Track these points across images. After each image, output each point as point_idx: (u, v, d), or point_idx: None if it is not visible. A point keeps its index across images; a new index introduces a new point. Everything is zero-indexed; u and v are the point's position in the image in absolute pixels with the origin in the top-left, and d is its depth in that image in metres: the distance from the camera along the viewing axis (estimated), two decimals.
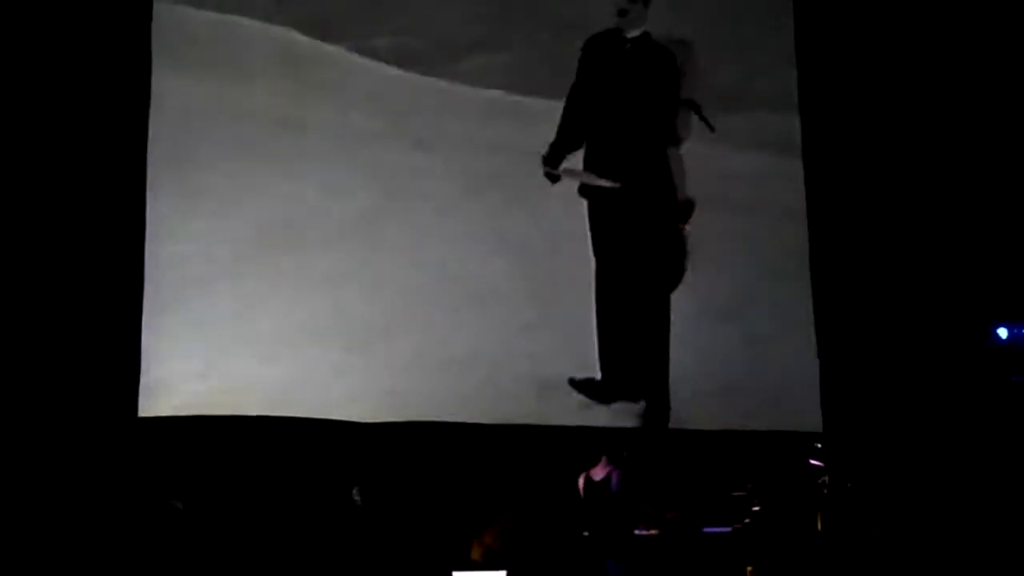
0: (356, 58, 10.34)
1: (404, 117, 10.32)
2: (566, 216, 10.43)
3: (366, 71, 10.35)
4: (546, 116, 10.58)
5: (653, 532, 9.42)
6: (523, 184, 10.41)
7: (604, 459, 9.26)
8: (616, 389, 10.27)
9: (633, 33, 10.61)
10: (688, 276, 10.46)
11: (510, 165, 10.43)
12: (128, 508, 8.97)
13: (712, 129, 10.62)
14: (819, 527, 9.38)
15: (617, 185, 10.40)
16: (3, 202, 9.26)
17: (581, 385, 10.22)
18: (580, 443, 9.61)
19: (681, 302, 10.46)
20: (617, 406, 10.25)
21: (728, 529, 9.46)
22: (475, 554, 9.36)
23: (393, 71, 10.39)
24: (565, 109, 10.53)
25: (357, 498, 9.48)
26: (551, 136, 10.50)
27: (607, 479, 9.15)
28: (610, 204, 10.40)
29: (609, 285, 10.39)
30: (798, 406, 10.45)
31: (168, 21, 9.78)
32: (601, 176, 10.43)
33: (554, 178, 10.40)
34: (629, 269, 10.40)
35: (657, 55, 10.64)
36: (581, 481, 9.27)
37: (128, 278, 9.41)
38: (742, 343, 10.45)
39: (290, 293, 9.81)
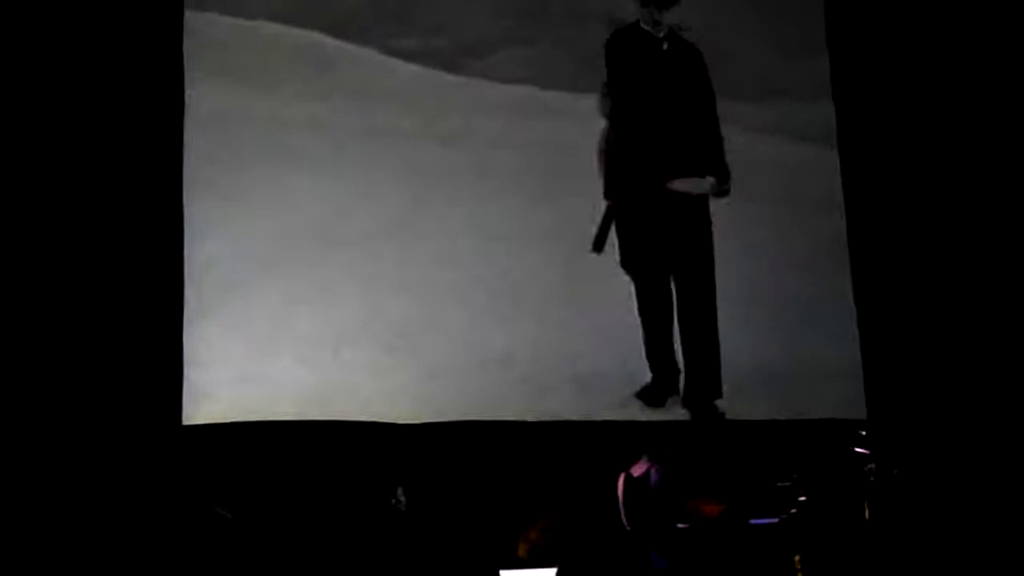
0: (383, 58, 10.33)
1: (432, 116, 10.30)
2: (597, 209, 10.44)
3: (393, 71, 10.34)
4: (575, 111, 10.57)
5: (697, 526, 9.39)
6: (554, 179, 10.39)
7: (644, 456, 9.26)
8: (666, 391, 10.30)
9: (663, 32, 10.67)
10: (728, 266, 10.48)
11: (540, 160, 10.42)
12: (176, 519, 8.96)
13: None
14: (866, 515, 9.34)
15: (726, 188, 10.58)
16: (42, 212, 9.25)
17: (640, 394, 10.25)
18: (622, 437, 9.61)
19: (721, 293, 10.48)
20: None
21: (775, 520, 9.42)
22: (521, 552, 9.34)
23: (420, 70, 10.38)
24: (613, 110, 10.53)
25: (402, 499, 9.47)
26: (580, 130, 10.48)
27: (646, 475, 9.15)
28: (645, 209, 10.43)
29: (651, 290, 10.40)
30: (841, 394, 10.48)
31: (199, 28, 9.78)
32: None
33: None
34: (669, 273, 10.44)
35: (691, 51, 10.73)
36: (620, 480, 9.26)
37: (167, 285, 9.40)
38: (783, 332, 10.44)
39: (326, 294, 9.79)
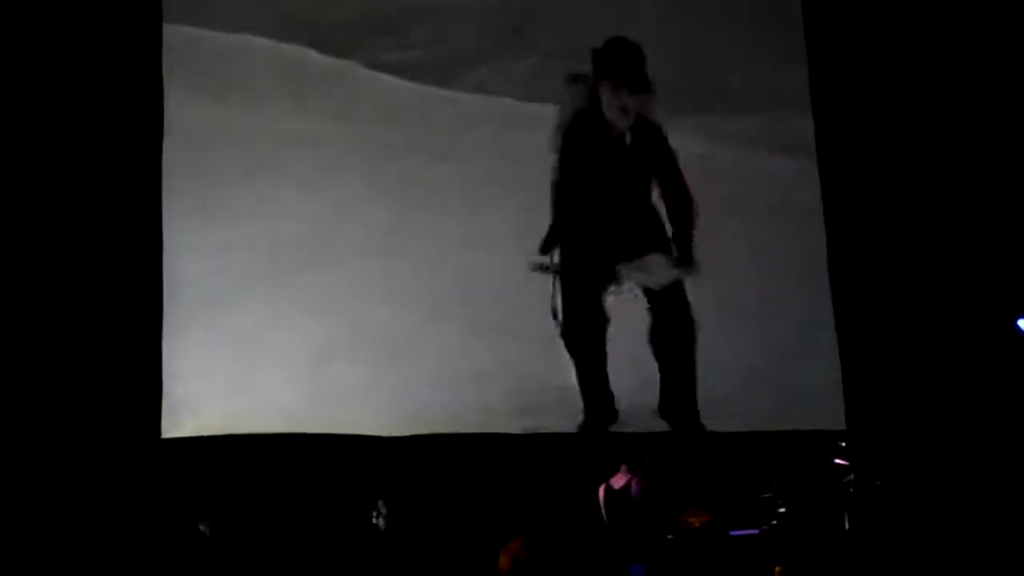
0: (369, 73, 10.38)
1: (419, 130, 10.36)
2: None
3: (380, 86, 10.40)
4: None
5: (679, 537, 9.38)
6: (542, 192, 10.38)
7: (624, 467, 9.25)
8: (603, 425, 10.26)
9: (630, 120, 10.38)
10: (709, 279, 10.42)
11: (527, 173, 10.41)
12: (154, 533, 9.00)
13: None
14: (846, 525, 9.33)
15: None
16: (21, 226, 9.30)
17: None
18: (605, 449, 9.60)
19: (700, 305, 10.43)
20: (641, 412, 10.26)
21: (755, 531, 9.41)
22: (503, 563, 9.33)
23: (406, 84, 10.42)
24: (555, 202, 10.31)
25: (383, 511, 9.48)
26: None
27: (627, 487, 9.13)
28: None
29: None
30: (821, 405, 10.42)
31: (178, 43, 9.84)
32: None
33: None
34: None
35: (653, 133, 10.42)
36: (601, 491, 9.25)
37: (147, 298, 9.45)
38: (763, 344, 10.39)
39: (310, 309, 9.83)
